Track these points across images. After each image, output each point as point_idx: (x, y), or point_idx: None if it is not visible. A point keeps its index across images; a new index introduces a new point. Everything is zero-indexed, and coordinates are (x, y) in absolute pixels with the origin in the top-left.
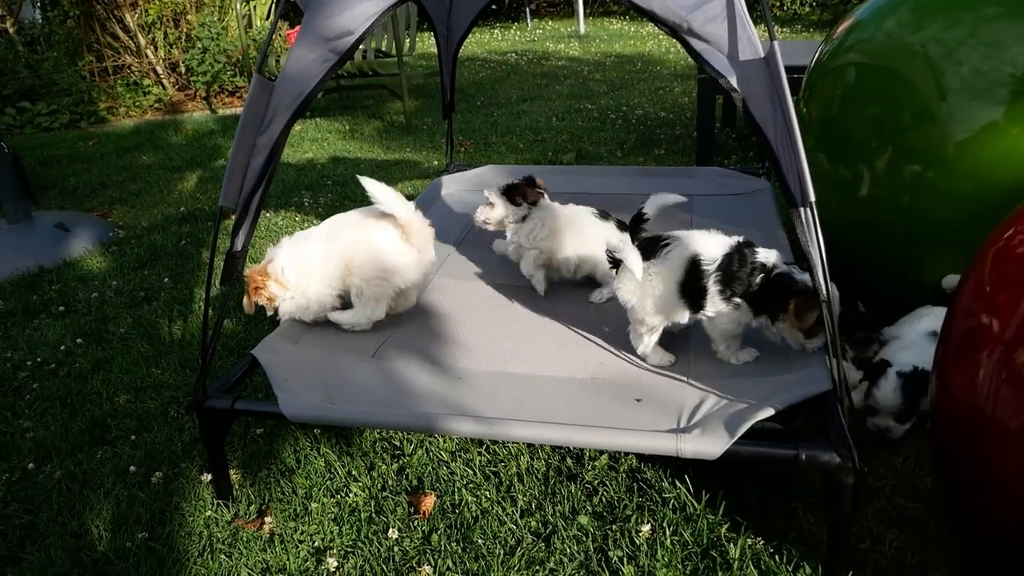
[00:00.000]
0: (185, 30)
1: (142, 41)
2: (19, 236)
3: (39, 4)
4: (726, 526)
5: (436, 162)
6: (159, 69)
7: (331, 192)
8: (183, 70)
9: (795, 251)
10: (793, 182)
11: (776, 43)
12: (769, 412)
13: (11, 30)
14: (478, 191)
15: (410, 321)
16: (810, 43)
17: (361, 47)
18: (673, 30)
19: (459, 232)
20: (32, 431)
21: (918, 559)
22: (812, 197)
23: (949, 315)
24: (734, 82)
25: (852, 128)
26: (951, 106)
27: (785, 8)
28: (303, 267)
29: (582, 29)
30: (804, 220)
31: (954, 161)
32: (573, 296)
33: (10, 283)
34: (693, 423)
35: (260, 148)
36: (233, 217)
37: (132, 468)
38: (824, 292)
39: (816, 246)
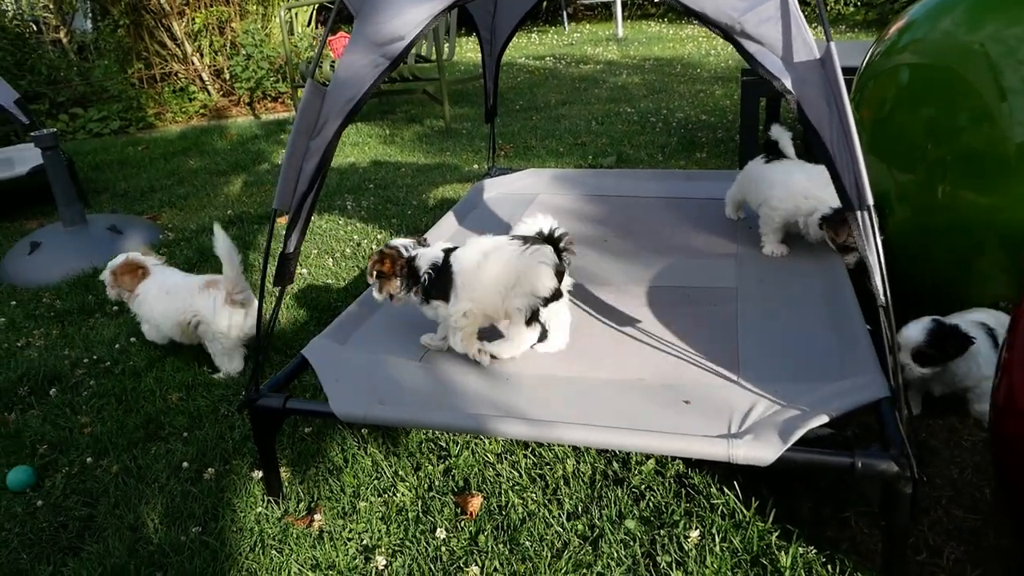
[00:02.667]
0: (230, 38)
1: (188, 49)
2: (74, 238)
3: (90, 14)
4: (776, 534)
5: (476, 166)
6: (204, 76)
7: (373, 196)
8: (227, 76)
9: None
10: (850, 185)
11: (833, 44)
12: (823, 419)
13: (64, 39)
14: (519, 194)
15: None
16: (857, 43)
17: None
18: (725, 32)
19: (502, 233)
20: (89, 427)
21: (978, 572)
22: (870, 200)
23: (1015, 319)
24: (788, 84)
25: (906, 130)
26: (1012, 106)
27: (829, 8)
28: None
29: (620, 32)
30: (861, 224)
31: (1015, 162)
32: (618, 296)
33: (66, 283)
34: (745, 428)
35: (312, 152)
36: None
37: (185, 464)
38: (882, 298)
39: (874, 250)
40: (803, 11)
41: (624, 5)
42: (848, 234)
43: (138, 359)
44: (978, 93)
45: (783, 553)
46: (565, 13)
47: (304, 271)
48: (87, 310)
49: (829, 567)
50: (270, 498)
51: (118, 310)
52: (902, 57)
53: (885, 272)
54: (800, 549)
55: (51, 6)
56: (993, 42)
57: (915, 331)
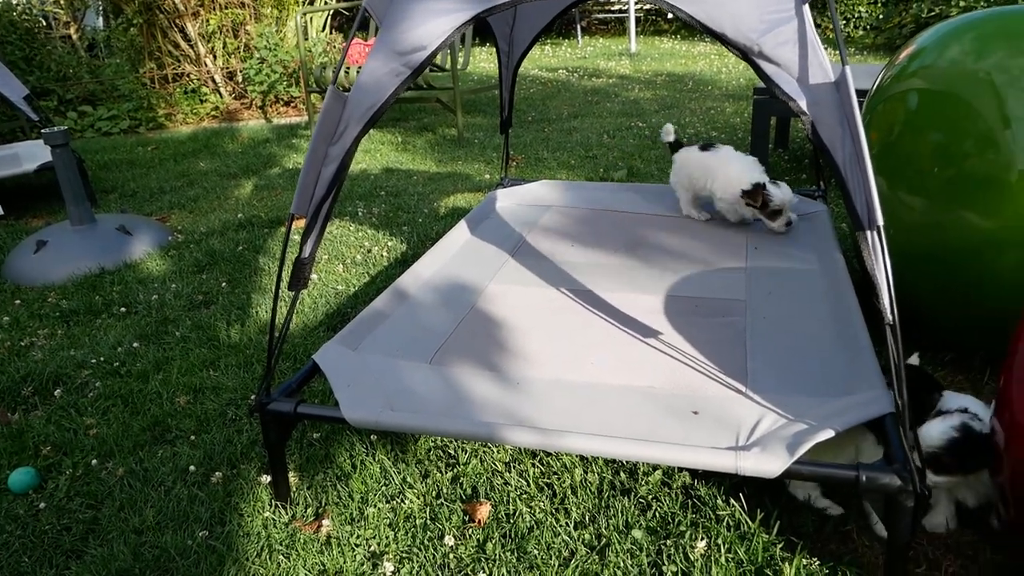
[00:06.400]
0: (244, 40)
1: (202, 50)
2: (82, 238)
3: (102, 11)
4: (780, 546)
5: (488, 175)
6: (217, 78)
7: (384, 203)
8: (240, 79)
9: (853, 274)
10: (861, 205)
11: (848, 68)
12: (829, 434)
13: (75, 36)
14: (531, 205)
15: (466, 326)
16: (866, 67)
17: None
18: (743, 53)
19: (514, 242)
20: (95, 428)
21: None
22: (880, 220)
23: (1014, 339)
24: (803, 105)
25: (914, 154)
26: (1016, 134)
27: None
28: None
29: (633, 47)
30: (870, 243)
31: (1017, 189)
32: (628, 305)
33: (73, 283)
34: (752, 440)
35: (332, 158)
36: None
37: (192, 468)
38: (889, 317)
39: (882, 270)
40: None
41: (637, 20)
42: (761, 197)
43: (145, 361)
44: (984, 120)
45: (787, 565)
46: (579, 27)
47: (314, 276)
48: (94, 310)
49: None
50: (278, 503)
51: (125, 311)
52: (911, 82)
53: (893, 291)
54: (804, 561)
55: (61, 2)
56: (999, 71)
57: (937, 432)
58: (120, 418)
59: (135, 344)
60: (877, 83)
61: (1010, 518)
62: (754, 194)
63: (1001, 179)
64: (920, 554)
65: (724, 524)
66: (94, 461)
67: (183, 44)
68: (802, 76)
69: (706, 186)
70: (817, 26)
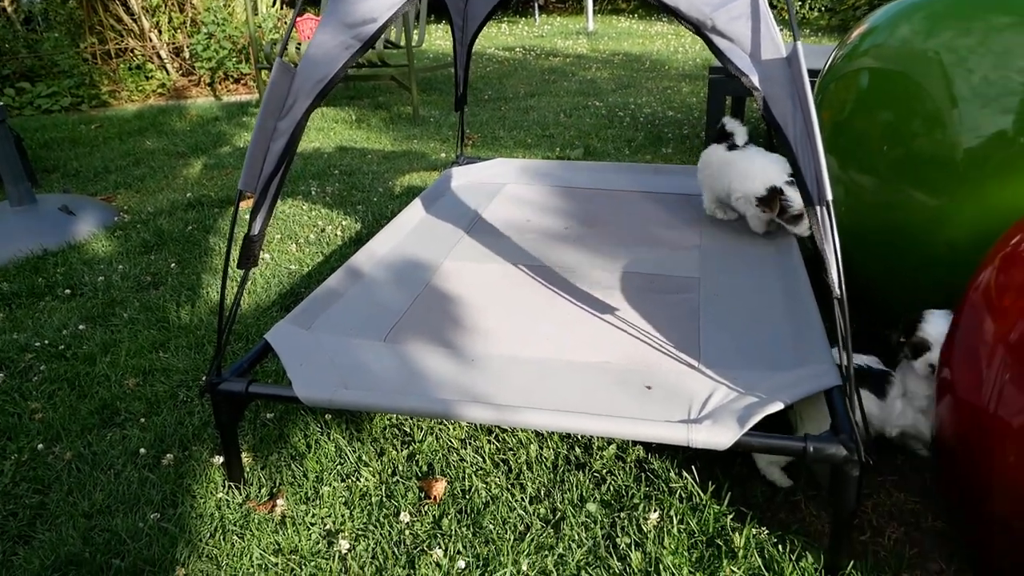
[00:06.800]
0: (190, 15)
1: (146, 24)
2: (23, 218)
3: None
4: (731, 516)
5: (443, 154)
6: (163, 54)
7: (338, 182)
8: (187, 55)
9: (804, 250)
10: (811, 181)
11: (799, 43)
12: (779, 406)
13: (9, 8)
14: (487, 184)
15: (421, 303)
16: (820, 47)
17: None
18: (697, 27)
19: (470, 219)
20: (40, 412)
21: (916, 551)
22: (830, 196)
23: (956, 316)
24: (756, 81)
25: (864, 133)
26: (962, 113)
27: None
28: None
29: (590, 26)
30: (820, 219)
31: (964, 167)
32: (584, 282)
33: (14, 265)
34: (704, 414)
35: (280, 133)
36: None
37: (142, 450)
38: (837, 291)
39: (831, 245)
40: (771, 13)
41: None
42: (778, 204)
43: (92, 344)
44: (932, 99)
45: (737, 534)
46: (536, 5)
47: (267, 256)
48: (37, 293)
49: (780, 547)
50: (231, 484)
51: (70, 293)
52: (862, 61)
53: (841, 266)
54: (753, 530)
55: None
56: (947, 51)
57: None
58: (67, 402)
59: (81, 326)
60: (829, 62)
61: (941, 489)
62: (770, 201)
63: (948, 158)
64: (864, 522)
65: (677, 496)
66: (40, 446)
67: (126, 18)
68: (754, 51)
69: (725, 187)
70: (772, 7)
